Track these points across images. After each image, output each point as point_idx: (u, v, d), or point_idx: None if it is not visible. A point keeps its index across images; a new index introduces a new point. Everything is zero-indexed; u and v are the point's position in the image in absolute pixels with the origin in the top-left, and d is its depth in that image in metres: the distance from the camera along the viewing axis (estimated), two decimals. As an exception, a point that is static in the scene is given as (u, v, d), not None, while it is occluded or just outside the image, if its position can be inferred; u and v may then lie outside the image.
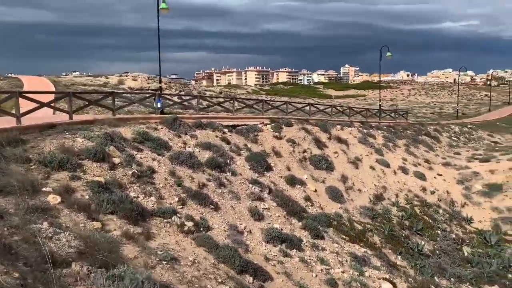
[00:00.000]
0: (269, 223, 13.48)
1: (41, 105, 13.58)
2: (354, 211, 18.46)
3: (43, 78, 44.60)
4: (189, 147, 16.26)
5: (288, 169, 19.41)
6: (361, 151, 24.98)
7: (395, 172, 23.86)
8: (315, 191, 18.44)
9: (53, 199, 7.96)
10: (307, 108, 27.56)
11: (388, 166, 24.19)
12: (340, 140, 24.93)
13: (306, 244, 13.15)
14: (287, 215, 14.82)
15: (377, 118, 37.04)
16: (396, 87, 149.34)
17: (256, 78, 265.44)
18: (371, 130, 29.61)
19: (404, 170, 24.50)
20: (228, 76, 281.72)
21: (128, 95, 21.21)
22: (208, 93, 53.60)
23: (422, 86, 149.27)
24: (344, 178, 20.95)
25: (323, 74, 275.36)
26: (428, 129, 36.22)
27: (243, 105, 23.26)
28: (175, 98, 22.31)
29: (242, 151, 18.65)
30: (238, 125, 22.03)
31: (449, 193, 23.18)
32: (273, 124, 23.45)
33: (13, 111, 12.85)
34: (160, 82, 25.95)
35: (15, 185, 7.71)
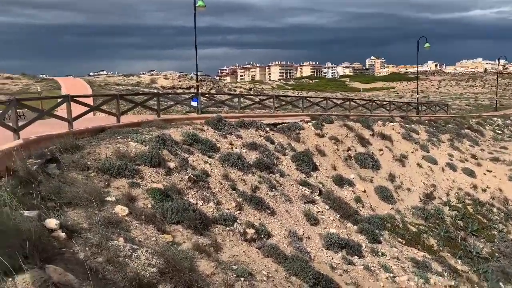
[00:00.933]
0: (325, 228, 12.93)
1: (91, 108, 13.40)
2: (406, 212, 17.66)
3: (78, 79, 45.24)
4: (236, 148, 15.85)
5: (334, 168, 18.76)
6: (406, 147, 24.01)
7: (443, 169, 22.81)
8: (364, 191, 17.73)
9: (121, 211, 7.64)
10: (346, 103, 26.70)
11: (435, 163, 23.16)
12: (383, 136, 24.04)
13: (365, 249, 12.53)
14: (341, 218, 14.22)
15: (415, 112, 35.75)
16: (426, 78, 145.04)
17: (280, 73, 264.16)
18: (413, 125, 28.53)
19: (452, 167, 23.40)
20: (252, 71, 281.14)
21: (171, 95, 20.91)
22: (238, 90, 53.22)
23: (452, 76, 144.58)
24: (391, 177, 20.13)
25: (348, 67, 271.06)
26: (470, 122, 34.70)
27: (283, 103, 22.68)
28: (218, 97, 21.82)
29: (286, 151, 18.15)
30: (279, 123, 21.52)
31: (501, 191, 21.99)
32: (314, 122, 22.82)
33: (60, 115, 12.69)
34: (197, 80, 25.56)
35: (82, 196, 7.43)
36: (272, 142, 18.19)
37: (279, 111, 22.83)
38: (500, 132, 35.41)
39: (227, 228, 9.62)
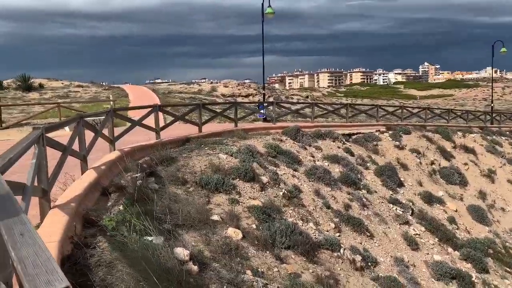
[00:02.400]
0: (427, 253, 11.66)
1: (176, 118, 13.04)
2: (505, 235, 15.89)
3: (141, 87, 46.39)
4: (318, 160, 14.95)
5: (420, 184, 17.32)
6: (492, 162, 21.98)
7: (539, 187, 20.57)
8: (456, 210, 16.16)
9: (235, 234, 6.96)
10: (421, 112, 24.97)
11: (528, 179, 20.95)
12: (466, 149, 22.17)
13: (476, 281, 11.11)
14: (440, 242, 12.86)
15: (489, 123, 33.05)
16: (486, 85, 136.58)
17: (329, 79, 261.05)
18: (494, 137, 26.23)
19: (549, 184, 21.07)
20: (300, 78, 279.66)
21: (247, 104, 20.41)
22: (295, 97, 52.53)
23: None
24: (482, 195, 18.33)
25: (400, 73, 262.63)
26: (558, 134, 31.54)
27: (357, 111, 21.50)
28: (293, 106, 21.04)
29: (368, 164, 16.98)
30: (354, 134, 20.36)
31: None
32: (390, 132, 21.44)
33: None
34: (264, 88, 25.05)
35: (194, 216, 6.82)
36: (352, 154, 17.09)
37: (352, 120, 21.67)
38: None
39: (334, 254, 8.70)
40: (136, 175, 8.46)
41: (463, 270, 11.29)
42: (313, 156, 15.13)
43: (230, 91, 46.80)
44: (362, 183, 14.63)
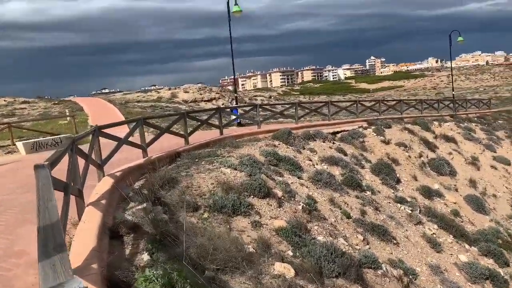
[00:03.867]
0: (451, 254, 10.95)
1: (161, 131, 11.48)
2: (505, 223, 15.68)
3: (96, 98, 43.49)
4: (316, 164, 13.95)
5: (415, 178, 16.79)
6: (472, 149, 22.06)
7: (519, 170, 20.82)
8: (455, 203, 15.73)
9: (286, 270, 5.72)
10: (397, 105, 24.74)
11: (508, 163, 21.20)
12: (447, 138, 22.10)
13: (505, 277, 10.50)
14: (455, 238, 12.23)
15: (455, 110, 33.72)
16: (432, 75, 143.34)
17: (281, 78, 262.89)
18: (466, 124, 26.57)
19: (528, 167, 21.41)
20: (253, 79, 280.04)
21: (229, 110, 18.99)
22: (259, 98, 51.56)
23: (459, 71, 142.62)
24: (473, 183, 18.14)
25: (349, 69, 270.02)
26: (519, 116, 32.76)
27: (338, 109, 20.75)
28: (273, 108, 19.83)
29: (362, 162, 16.24)
30: (338, 131, 19.59)
31: None
32: (373, 127, 20.91)
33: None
34: (235, 92, 23.81)
35: (235, 255, 5.49)
36: (345, 154, 16.26)
37: (333, 118, 20.92)
38: (550, 125, 33.40)
39: (378, 272, 7.65)
40: (142, 206, 6.96)
41: (491, 268, 10.66)
42: (310, 160, 14.11)
43: (192, 97, 44.96)
44: (364, 184, 13.77)
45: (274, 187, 9.74)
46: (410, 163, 18.07)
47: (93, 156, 7.86)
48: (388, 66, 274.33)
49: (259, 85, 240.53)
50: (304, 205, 9.28)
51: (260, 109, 17.07)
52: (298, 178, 11.83)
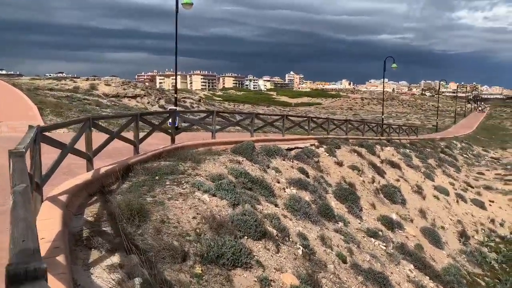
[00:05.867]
0: (439, 302, 9.86)
1: (111, 136, 8.75)
2: (460, 259, 15.38)
3: (-2, 79, 37.14)
4: (286, 187, 12.22)
5: (373, 206, 15.90)
6: (414, 176, 22.15)
7: (457, 202, 21.29)
8: (414, 236, 15.10)
9: None
10: (343, 126, 24.14)
11: (447, 194, 21.57)
12: (392, 164, 21.93)
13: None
14: (431, 280, 11.30)
15: (389, 135, 34.60)
16: (347, 96, 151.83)
17: (202, 82, 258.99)
18: (403, 149, 27.02)
19: (462, 198, 22.04)
20: (172, 79, 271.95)
21: (187, 115, 16.17)
22: (188, 101, 48.49)
23: (371, 95, 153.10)
24: (423, 214, 17.86)
25: (269, 80, 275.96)
26: (441, 145, 34.61)
27: (292, 124, 19.29)
28: (234, 116, 17.46)
29: (324, 185, 14.93)
30: (292, 148, 18.17)
31: (515, 224, 21.03)
32: (325, 147, 19.88)
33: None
34: (176, 92, 21.19)
35: None
36: (307, 175, 14.78)
37: (286, 132, 19.45)
38: (467, 156, 35.88)
39: None
40: (112, 260, 4.51)
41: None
42: (278, 182, 12.32)
43: (114, 91, 40.53)
44: (335, 213, 12.36)
45: (264, 222, 7.73)
46: (365, 188, 17.21)
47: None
48: (306, 82, 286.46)
49: (179, 86, 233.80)
50: (303, 250, 7.41)
51: (219, 118, 14.86)
52: (275, 205, 9.98)
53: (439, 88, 69.10)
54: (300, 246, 7.51)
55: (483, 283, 13.89)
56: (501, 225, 20.46)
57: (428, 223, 17.22)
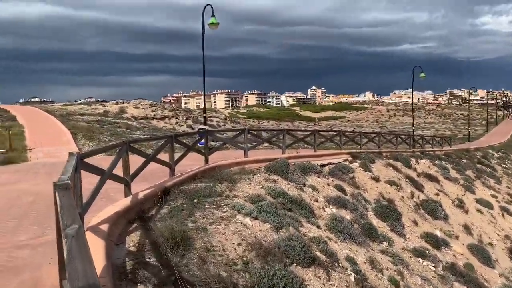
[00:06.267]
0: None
1: (147, 159, 8.55)
2: (513, 277, 14.32)
3: (30, 107, 38.32)
4: (325, 206, 11.72)
5: (415, 223, 15.11)
6: (454, 189, 21.14)
7: (503, 215, 20.15)
8: (462, 254, 14.19)
9: None
10: (376, 139, 23.46)
11: (491, 207, 20.44)
12: (430, 177, 21.03)
13: None
14: (489, 304, 10.44)
15: (411, 146, 33.34)
16: (372, 108, 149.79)
17: (226, 100, 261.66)
18: (438, 161, 25.98)
19: (508, 211, 20.86)
20: (197, 99, 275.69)
21: (218, 134, 16.08)
22: (214, 120, 48.70)
23: (396, 106, 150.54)
24: (467, 230, 16.88)
25: (291, 96, 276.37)
26: (478, 156, 33.22)
27: (324, 139, 18.86)
28: (264, 134, 17.29)
29: (363, 202, 14.30)
30: (325, 164, 17.62)
31: None
32: (359, 161, 19.23)
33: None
34: (205, 112, 21.10)
35: None
36: (345, 193, 14.21)
37: (318, 148, 18.95)
38: (506, 166, 34.30)
39: None
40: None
41: None
42: (317, 201, 11.83)
43: (143, 113, 41.16)
44: (379, 233, 11.72)
45: (311, 246, 7.27)
46: (405, 204, 16.44)
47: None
48: (328, 96, 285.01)
49: (202, 105, 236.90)
50: (354, 275, 6.88)
51: (248, 135, 14.56)
52: (317, 227, 9.49)
53: (469, 96, 66.62)
54: (352, 272, 7.00)
55: (542, 305, 12.83)
56: (553, 239, 19.11)
57: (475, 240, 16.24)
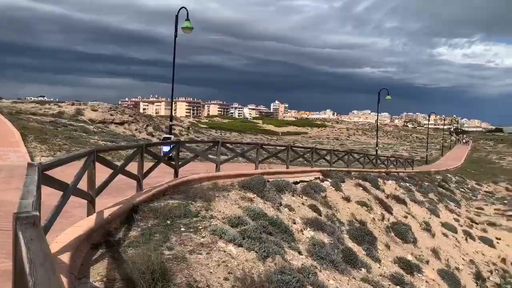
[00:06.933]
0: None
1: (116, 171, 7.46)
2: (482, 306, 14.19)
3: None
4: (303, 230, 11.02)
5: (387, 247, 14.72)
6: (420, 212, 21.20)
7: (466, 239, 20.33)
8: (434, 280, 13.92)
9: None
10: (345, 157, 23.23)
11: (455, 231, 20.62)
12: (398, 199, 20.97)
13: None
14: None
15: (377, 167, 33.70)
16: (332, 126, 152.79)
17: (187, 109, 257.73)
18: (402, 183, 26.18)
19: (470, 236, 21.10)
20: (156, 105, 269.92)
21: (190, 145, 14.92)
22: (177, 128, 47.05)
23: (356, 125, 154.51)
24: (436, 254, 16.76)
25: (254, 109, 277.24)
26: (438, 179, 33.99)
27: (296, 155, 18.30)
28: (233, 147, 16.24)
29: (336, 223, 13.76)
30: (297, 181, 17.04)
31: (525, 264, 20.10)
32: (330, 180, 18.83)
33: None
34: (171, 120, 19.93)
35: None
36: (320, 213, 13.63)
37: (290, 164, 18.32)
38: (463, 190, 35.31)
39: None
40: None
41: None
42: (294, 222, 11.14)
43: (101, 116, 39.01)
44: (358, 259, 11.15)
45: (302, 279, 6.48)
46: (377, 227, 16.09)
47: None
48: (290, 112, 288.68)
49: (162, 112, 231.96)
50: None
51: (223, 148, 13.66)
52: (298, 253, 8.76)
53: (429, 120, 69.21)
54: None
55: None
56: (513, 265, 19.50)
57: (443, 264, 16.11)
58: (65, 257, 4.47)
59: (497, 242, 21.72)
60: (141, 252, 5.13)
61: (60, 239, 5.01)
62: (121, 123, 39.88)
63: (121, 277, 4.64)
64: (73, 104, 42.89)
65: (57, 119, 33.40)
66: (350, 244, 12.53)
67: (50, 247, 4.66)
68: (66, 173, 6.20)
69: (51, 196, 5.30)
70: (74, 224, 5.82)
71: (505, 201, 31.84)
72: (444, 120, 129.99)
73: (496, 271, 18.20)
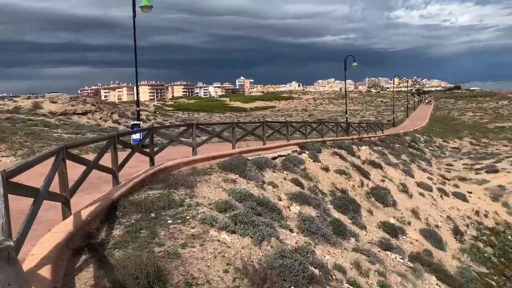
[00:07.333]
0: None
1: (89, 166, 6.87)
2: (464, 259, 14.68)
3: None
4: (288, 205, 10.79)
5: (370, 212, 14.85)
6: (396, 175, 21.54)
7: (441, 197, 20.87)
8: (417, 240, 14.19)
9: None
10: (319, 127, 23.12)
11: (430, 189, 21.12)
12: (374, 164, 21.18)
13: None
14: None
15: (349, 134, 34.00)
16: (299, 97, 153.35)
17: (150, 92, 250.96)
18: (375, 147, 26.51)
19: (444, 192, 21.69)
20: (118, 91, 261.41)
21: (163, 130, 14.15)
22: (144, 113, 45.57)
23: (322, 95, 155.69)
24: (415, 214, 17.11)
25: (220, 87, 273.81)
26: (407, 140, 34.71)
27: (272, 130, 17.90)
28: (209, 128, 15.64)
29: (320, 195, 13.69)
30: (275, 157, 16.81)
31: (498, 214, 20.93)
32: (308, 152, 18.74)
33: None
34: (138, 105, 19.08)
35: None
36: (303, 187, 13.49)
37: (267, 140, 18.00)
38: (432, 148, 36.26)
39: None
40: None
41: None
42: (280, 199, 10.91)
43: (61, 108, 37.11)
44: (347, 229, 11.11)
45: (302, 260, 6.23)
46: (357, 193, 16.18)
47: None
48: (256, 86, 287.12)
49: (125, 98, 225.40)
50: (352, 288, 6.00)
51: (197, 130, 13.12)
52: (290, 231, 8.54)
53: (394, 84, 70.43)
54: (347, 285, 6.11)
55: (494, 284, 13.20)
56: (486, 216, 20.26)
57: (423, 223, 16.48)
58: (45, 271, 3.97)
59: (469, 196, 22.48)
60: (131, 254, 4.69)
61: (36, 250, 4.48)
62: (84, 113, 38.18)
63: (112, 285, 4.20)
64: (29, 98, 40.58)
65: (14, 115, 31.56)
66: (336, 214, 12.49)
67: (27, 262, 4.15)
68: (32, 173, 5.59)
69: (17, 201, 4.74)
70: (50, 230, 5.27)
71: (471, 155, 33.03)
72: (407, 82, 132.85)
73: (472, 224, 18.85)
